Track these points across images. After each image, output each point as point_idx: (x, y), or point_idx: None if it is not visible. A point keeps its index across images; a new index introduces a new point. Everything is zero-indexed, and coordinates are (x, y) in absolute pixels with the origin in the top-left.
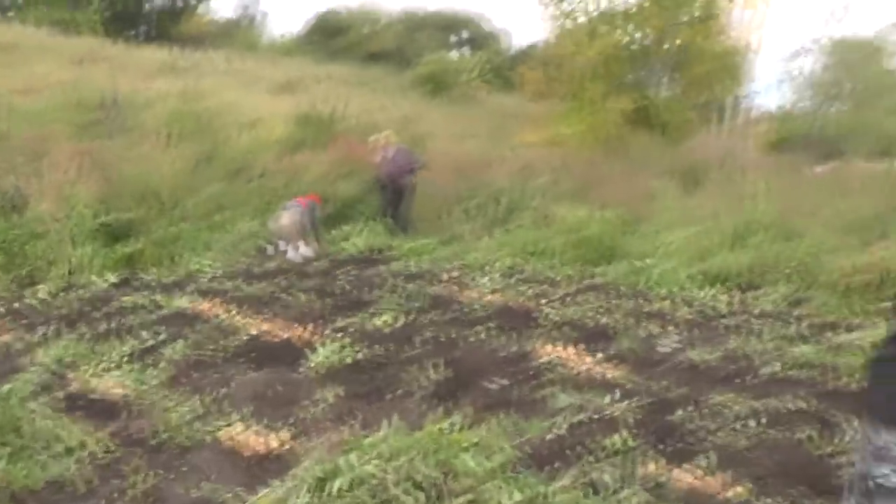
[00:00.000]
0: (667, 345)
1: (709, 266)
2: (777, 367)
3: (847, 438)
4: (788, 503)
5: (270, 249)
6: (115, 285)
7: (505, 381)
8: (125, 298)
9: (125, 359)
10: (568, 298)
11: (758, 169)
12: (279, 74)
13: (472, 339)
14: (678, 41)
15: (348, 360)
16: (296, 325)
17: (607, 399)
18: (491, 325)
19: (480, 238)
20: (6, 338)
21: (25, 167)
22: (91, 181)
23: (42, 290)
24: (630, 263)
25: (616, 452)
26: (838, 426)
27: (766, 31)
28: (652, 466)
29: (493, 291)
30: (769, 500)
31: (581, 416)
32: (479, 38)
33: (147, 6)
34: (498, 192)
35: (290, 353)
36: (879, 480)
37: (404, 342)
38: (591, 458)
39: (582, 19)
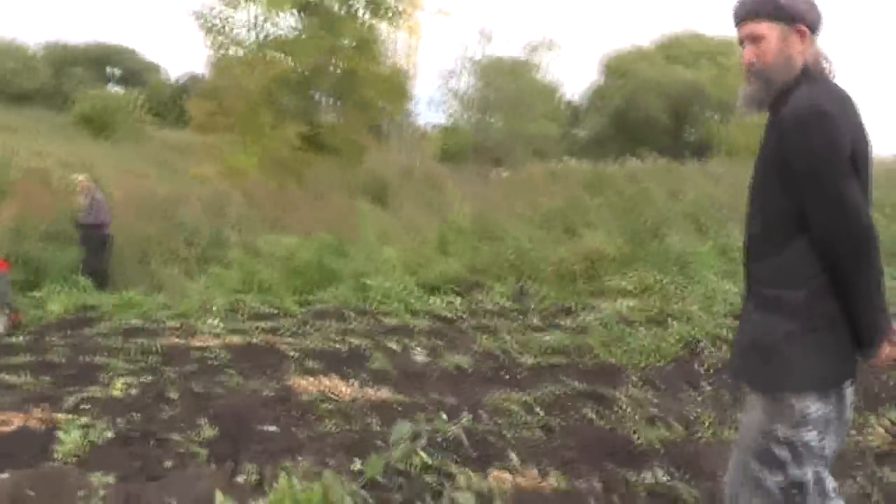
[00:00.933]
0: (419, 356)
1: (427, 276)
2: (533, 359)
3: (623, 410)
4: (603, 480)
5: None
6: None
7: (278, 425)
8: None
9: None
10: (303, 328)
11: (440, 179)
12: None
13: (223, 386)
14: (342, 66)
15: (101, 441)
16: (22, 412)
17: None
18: (237, 368)
19: (188, 282)
20: None
21: None
22: None
23: None
24: (351, 284)
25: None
26: (614, 400)
27: (424, 53)
28: (462, 477)
29: (225, 333)
30: (583, 482)
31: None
32: (136, 72)
33: None
34: (192, 232)
35: (30, 444)
36: (809, 442)
37: (153, 406)
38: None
39: (239, 51)
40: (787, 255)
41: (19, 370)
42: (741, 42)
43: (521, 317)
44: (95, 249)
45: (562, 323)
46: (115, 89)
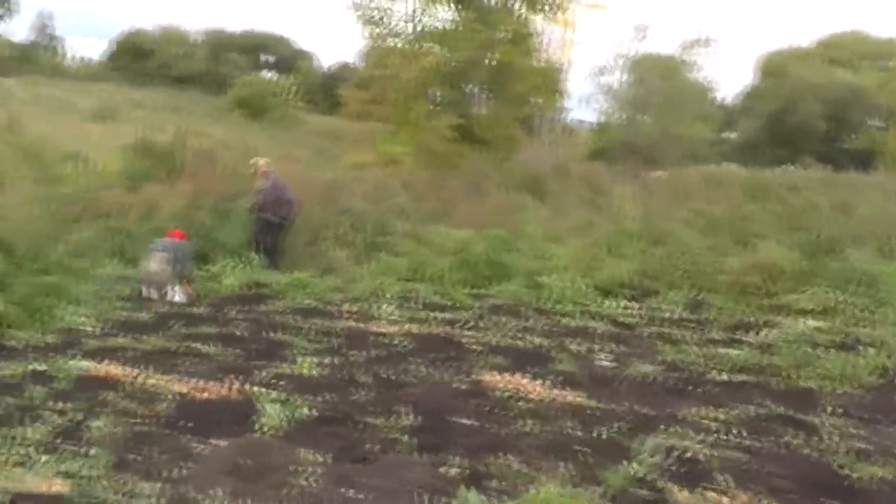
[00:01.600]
0: (605, 361)
1: (599, 278)
2: (722, 375)
3: (827, 439)
4: None
5: (151, 293)
6: None
7: (475, 420)
8: (2, 371)
9: (43, 448)
10: (480, 322)
11: (596, 178)
12: (90, 101)
13: (411, 375)
14: (496, 59)
15: (303, 417)
16: (217, 382)
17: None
18: (422, 358)
19: (357, 266)
20: None
21: None
22: None
23: None
24: (522, 282)
25: None
26: (814, 428)
27: (577, 49)
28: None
29: (402, 321)
30: None
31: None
32: (289, 59)
33: None
34: (359, 218)
35: (231, 414)
36: None
37: (346, 388)
38: None
39: (397, 42)
40: None
41: (207, 340)
42: None
43: (699, 328)
44: (272, 230)
45: (743, 338)
46: (269, 75)
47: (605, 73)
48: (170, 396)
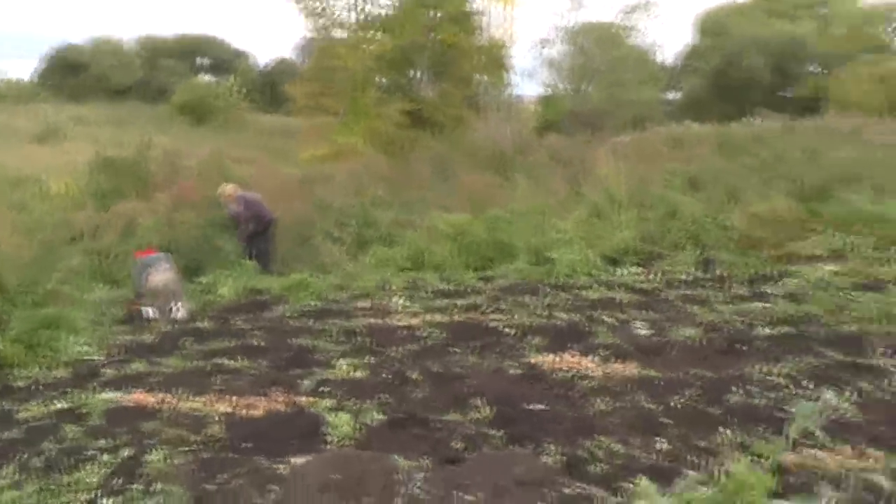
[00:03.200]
0: (643, 329)
1: (604, 247)
2: (766, 329)
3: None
4: None
5: (152, 312)
6: None
7: (545, 404)
8: (25, 413)
9: (105, 491)
10: (501, 304)
11: (562, 150)
12: (30, 123)
13: (460, 366)
14: (438, 42)
15: (373, 422)
16: (261, 396)
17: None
18: (461, 347)
19: (352, 261)
20: None
21: None
22: None
23: None
24: (527, 258)
25: None
26: (883, 371)
27: (519, 24)
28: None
29: (421, 312)
30: None
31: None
32: (225, 61)
33: None
34: (343, 212)
35: (293, 428)
36: None
37: (400, 387)
38: None
39: (342, 33)
40: None
41: (230, 355)
42: None
43: (718, 286)
44: (259, 236)
45: (767, 291)
46: (207, 78)
47: (547, 45)
48: (217, 418)
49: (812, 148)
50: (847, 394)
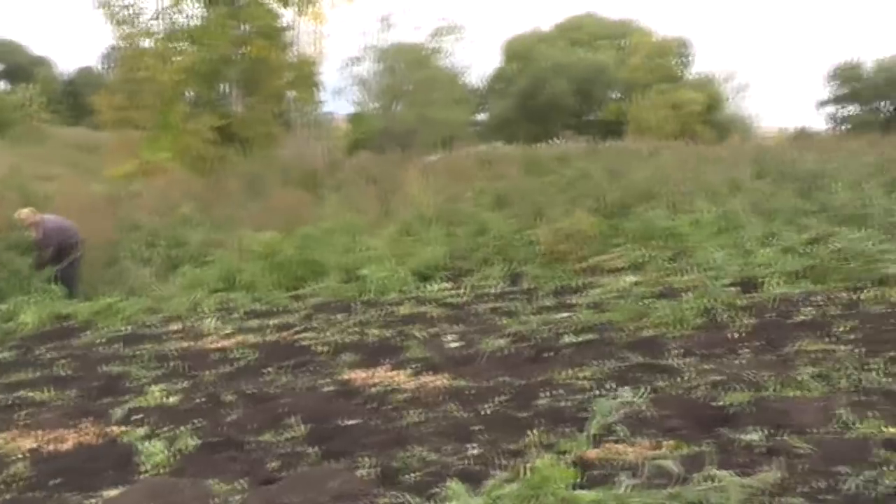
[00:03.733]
0: (453, 343)
1: (415, 264)
2: (571, 337)
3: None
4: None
5: None
6: None
7: (363, 418)
8: None
9: None
10: (313, 322)
11: (373, 167)
12: None
13: (274, 386)
14: (250, 55)
15: (187, 448)
16: (69, 429)
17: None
18: (274, 367)
19: (163, 283)
20: None
21: None
22: None
23: None
24: (338, 276)
25: None
26: (676, 369)
27: (329, 41)
28: None
29: (234, 333)
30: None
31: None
32: (24, 67)
33: None
34: (151, 232)
35: (104, 461)
36: None
37: (214, 411)
38: None
39: (150, 42)
40: None
41: (34, 387)
42: None
43: (526, 298)
44: (65, 263)
45: (572, 301)
46: (1, 86)
47: (357, 64)
48: (20, 455)
49: (613, 168)
50: (642, 391)
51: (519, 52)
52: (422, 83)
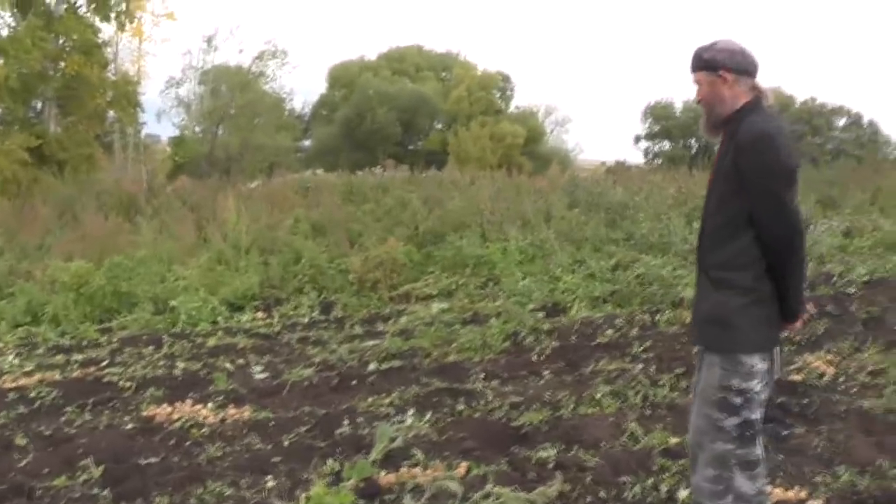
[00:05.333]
0: (259, 374)
1: (226, 293)
2: (375, 365)
3: (489, 400)
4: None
5: None
6: None
7: (159, 456)
8: None
9: None
10: (120, 356)
11: (191, 194)
12: None
13: (73, 426)
14: (67, 71)
15: None
16: None
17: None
18: (75, 405)
19: None
20: None
21: None
22: None
23: None
24: (150, 307)
25: None
26: (477, 393)
27: (150, 60)
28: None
29: (35, 371)
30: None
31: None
32: None
33: None
34: None
35: None
36: (755, 390)
37: (6, 455)
38: None
39: None
40: (737, 245)
41: None
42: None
43: (336, 327)
44: None
45: (381, 329)
46: None
47: (179, 85)
48: None
49: (431, 197)
50: (429, 414)
51: (343, 79)
52: (245, 107)
